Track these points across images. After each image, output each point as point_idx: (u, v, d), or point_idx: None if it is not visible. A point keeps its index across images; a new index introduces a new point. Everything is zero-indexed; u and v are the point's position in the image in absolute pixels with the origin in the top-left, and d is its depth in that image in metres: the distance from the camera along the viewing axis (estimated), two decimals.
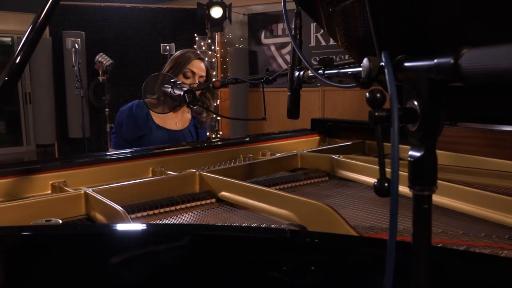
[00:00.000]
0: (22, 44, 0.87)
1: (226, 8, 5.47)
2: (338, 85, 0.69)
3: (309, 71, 0.86)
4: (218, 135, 5.86)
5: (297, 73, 0.92)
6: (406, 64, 0.43)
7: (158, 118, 2.19)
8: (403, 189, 1.22)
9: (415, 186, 0.43)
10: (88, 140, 5.56)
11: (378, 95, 0.42)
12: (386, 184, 0.41)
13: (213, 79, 2.18)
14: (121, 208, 1.01)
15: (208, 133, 6.01)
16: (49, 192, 1.40)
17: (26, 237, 0.85)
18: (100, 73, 5.43)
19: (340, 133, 2.19)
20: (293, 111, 1.02)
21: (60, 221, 0.84)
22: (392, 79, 0.42)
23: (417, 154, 0.42)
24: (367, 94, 0.43)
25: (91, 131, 5.85)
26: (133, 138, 2.14)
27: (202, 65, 2.24)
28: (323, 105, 5.59)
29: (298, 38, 1.00)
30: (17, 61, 0.85)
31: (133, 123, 2.14)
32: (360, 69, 0.56)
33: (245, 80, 1.91)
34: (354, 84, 0.61)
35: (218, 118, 5.83)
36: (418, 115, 0.41)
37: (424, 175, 0.42)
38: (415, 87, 0.42)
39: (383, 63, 0.46)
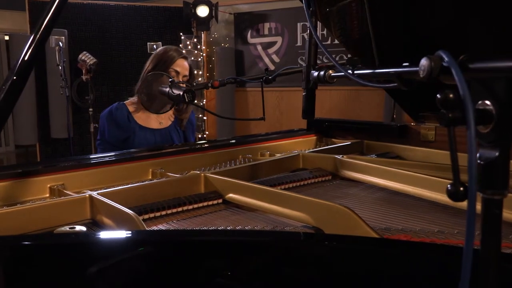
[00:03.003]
0: (30, 42, 0.82)
1: (213, 7, 5.42)
2: (371, 84, 0.67)
3: (331, 71, 0.84)
4: (205, 135, 5.81)
5: (316, 73, 0.89)
6: (479, 64, 0.41)
7: (141, 119, 2.16)
8: (423, 191, 1.21)
9: (486, 190, 0.41)
10: (68, 141, 5.44)
11: (451, 95, 0.40)
12: (461, 189, 0.40)
13: (198, 78, 2.17)
14: (132, 212, 0.97)
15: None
16: (47, 195, 1.35)
17: (27, 246, 0.81)
18: (84, 72, 5.31)
19: (336, 132, 2.19)
20: (309, 111, 1.00)
21: (85, 228, 0.80)
22: (462, 79, 0.40)
23: (489, 156, 0.41)
24: (438, 95, 0.41)
25: (74, 131, 5.72)
26: (118, 141, 2.11)
27: (186, 63, 2.20)
28: None
29: (313, 37, 0.98)
30: (26, 58, 0.81)
31: (115, 126, 2.11)
32: (409, 68, 0.54)
33: (244, 80, 1.89)
34: (395, 84, 0.60)
35: (205, 117, 5.78)
36: (493, 116, 0.40)
37: (497, 179, 0.41)
38: (488, 87, 0.40)
39: (445, 63, 0.45)
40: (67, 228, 0.77)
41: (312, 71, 0.94)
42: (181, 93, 1.69)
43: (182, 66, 2.18)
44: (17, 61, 0.81)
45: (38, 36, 0.81)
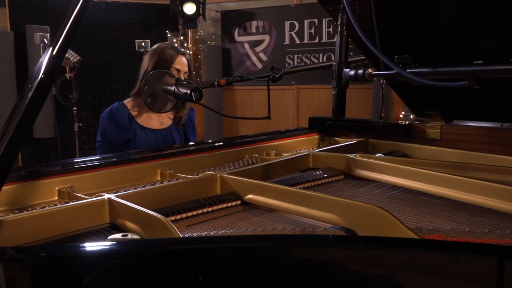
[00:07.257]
0: (57, 39, 0.77)
1: (200, 4, 5.35)
2: (435, 83, 0.66)
3: (370, 69, 0.82)
4: None
5: (352, 71, 0.87)
6: None
7: (141, 119, 2.12)
8: (444, 190, 1.21)
9: None
10: (55, 141, 5.30)
11: None
12: None
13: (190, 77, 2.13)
14: (161, 216, 0.93)
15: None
16: (56, 198, 1.30)
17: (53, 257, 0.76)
18: (67, 70, 5.18)
19: (338, 131, 2.17)
20: (340, 110, 0.98)
21: (138, 236, 0.76)
22: None
23: None
24: None
25: (57, 131, 5.58)
26: (119, 142, 2.06)
27: (185, 60, 2.18)
28: (297, 103, 5.60)
29: (344, 34, 0.96)
30: (54, 53, 0.75)
31: (116, 126, 2.07)
32: (506, 66, 0.53)
33: (250, 78, 1.86)
34: (466, 83, 0.58)
35: None
36: None
37: None
38: None
39: None
40: (119, 235, 0.73)
41: (345, 69, 0.91)
42: (189, 91, 1.65)
43: (182, 63, 2.15)
44: (44, 58, 0.76)
45: (67, 28, 0.76)
